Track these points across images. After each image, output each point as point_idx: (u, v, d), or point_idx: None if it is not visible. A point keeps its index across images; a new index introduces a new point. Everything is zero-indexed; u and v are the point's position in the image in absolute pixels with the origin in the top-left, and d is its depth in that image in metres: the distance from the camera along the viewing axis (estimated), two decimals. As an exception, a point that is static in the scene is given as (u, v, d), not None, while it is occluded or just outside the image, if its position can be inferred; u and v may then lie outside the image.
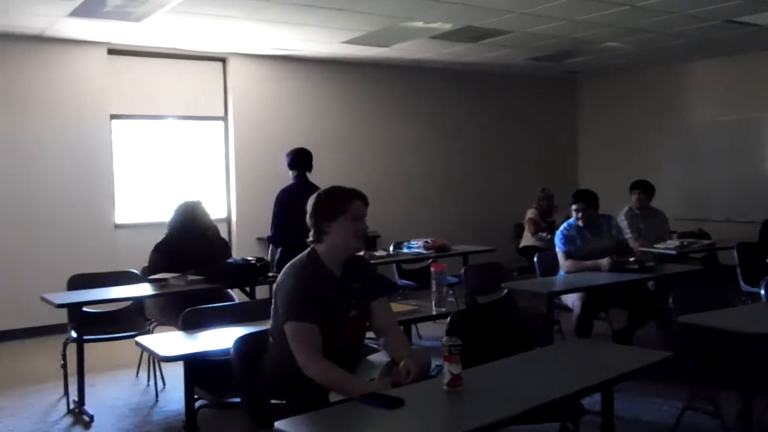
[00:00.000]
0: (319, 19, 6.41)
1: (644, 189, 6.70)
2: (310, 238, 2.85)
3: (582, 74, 10.33)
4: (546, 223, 7.89)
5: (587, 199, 5.37)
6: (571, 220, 5.43)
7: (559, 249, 5.35)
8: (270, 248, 5.72)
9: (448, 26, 6.79)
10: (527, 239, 7.98)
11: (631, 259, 5.17)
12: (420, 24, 6.69)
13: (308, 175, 5.66)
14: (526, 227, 8.04)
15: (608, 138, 10.38)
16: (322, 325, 2.70)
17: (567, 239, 5.31)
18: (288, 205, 5.48)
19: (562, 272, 5.34)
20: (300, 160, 5.65)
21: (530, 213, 8.03)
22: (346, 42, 7.43)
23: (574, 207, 5.38)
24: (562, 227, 5.44)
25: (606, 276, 5.05)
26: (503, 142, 10.12)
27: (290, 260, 5.03)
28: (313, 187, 5.56)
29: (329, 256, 2.83)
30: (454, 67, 9.23)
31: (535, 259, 5.77)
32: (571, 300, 5.07)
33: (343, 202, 2.82)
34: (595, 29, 7.03)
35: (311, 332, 2.67)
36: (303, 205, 5.23)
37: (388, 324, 2.94)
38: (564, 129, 10.80)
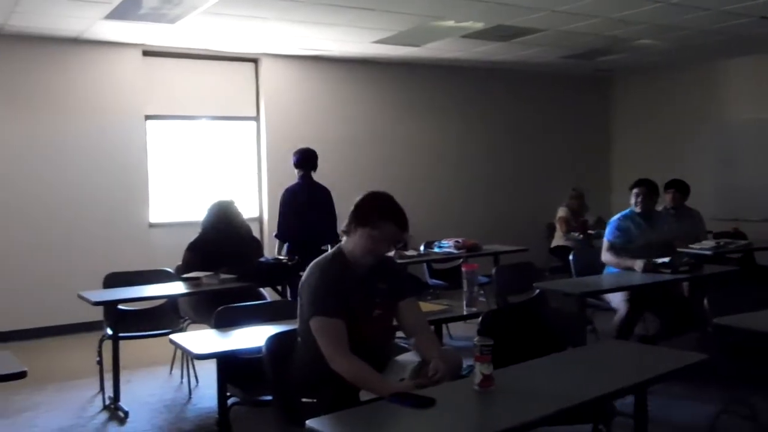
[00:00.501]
0: (350, 19, 6.43)
1: (678, 188, 6.60)
2: (343, 227, 2.86)
3: (616, 72, 10.21)
4: (578, 223, 7.83)
5: (649, 184, 5.37)
6: (626, 210, 5.39)
7: (605, 238, 5.31)
8: (277, 243, 5.95)
9: (479, 25, 6.76)
10: (559, 239, 7.92)
11: (665, 260, 5.09)
12: (451, 23, 6.67)
13: (314, 174, 5.93)
14: (558, 227, 7.98)
15: (642, 136, 10.24)
16: (345, 322, 2.71)
17: (619, 230, 5.27)
18: (292, 203, 5.80)
19: (608, 269, 5.28)
20: (305, 160, 5.89)
21: (561, 212, 7.96)
22: (377, 42, 7.44)
23: (635, 191, 5.34)
24: (616, 217, 5.39)
25: (641, 277, 4.99)
26: (535, 141, 10.05)
27: (296, 254, 5.17)
28: (318, 186, 5.91)
29: (353, 255, 2.84)
30: (484, 66, 9.19)
31: (571, 258, 5.71)
32: (616, 300, 5.00)
33: (378, 216, 2.78)
34: (629, 27, 6.94)
35: (337, 327, 2.68)
36: (307, 202, 5.49)
37: (418, 324, 2.93)
38: (597, 128, 10.69)
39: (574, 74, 10.06)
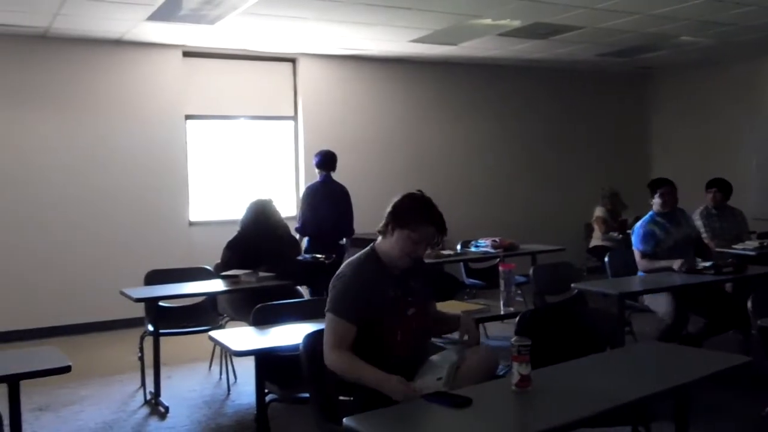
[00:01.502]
0: (387, 18, 6.44)
1: (719, 188, 6.48)
2: (379, 228, 2.87)
3: (656, 70, 10.05)
4: (616, 223, 7.73)
5: (671, 183, 5.32)
6: (646, 216, 5.32)
7: (635, 248, 5.25)
8: (298, 238, 6.22)
9: (516, 23, 6.72)
10: (597, 239, 7.84)
11: (706, 264, 5.00)
12: (488, 21, 6.64)
13: (333, 174, 6.37)
14: (596, 227, 7.89)
15: (682, 135, 10.07)
16: (379, 322, 2.74)
17: (645, 236, 5.20)
18: (312, 200, 6.28)
19: (641, 273, 5.23)
20: (326, 161, 6.35)
21: (598, 212, 7.88)
22: (414, 41, 7.44)
23: (660, 191, 5.28)
24: (638, 225, 5.33)
25: (682, 278, 4.90)
26: (573, 139, 9.95)
27: (315, 248, 5.34)
28: (336, 185, 6.34)
29: (387, 255, 2.85)
30: (521, 65, 9.13)
31: (606, 259, 5.66)
32: (663, 307, 4.90)
33: (417, 218, 2.78)
34: (670, 23, 6.83)
35: (345, 329, 2.72)
36: (325, 200, 5.83)
37: (436, 316, 3.06)
38: (636, 126, 10.54)
39: (612, 72, 9.93)
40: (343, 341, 2.71)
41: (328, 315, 2.76)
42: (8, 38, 6.71)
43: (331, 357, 2.71)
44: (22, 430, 2.84)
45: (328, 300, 2.80)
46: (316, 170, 6.42)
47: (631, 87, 10.42)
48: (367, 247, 2.91)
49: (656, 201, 5.32)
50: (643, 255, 5.19)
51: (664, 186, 5.34)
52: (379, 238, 2.88)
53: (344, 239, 6.35)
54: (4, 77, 6.77)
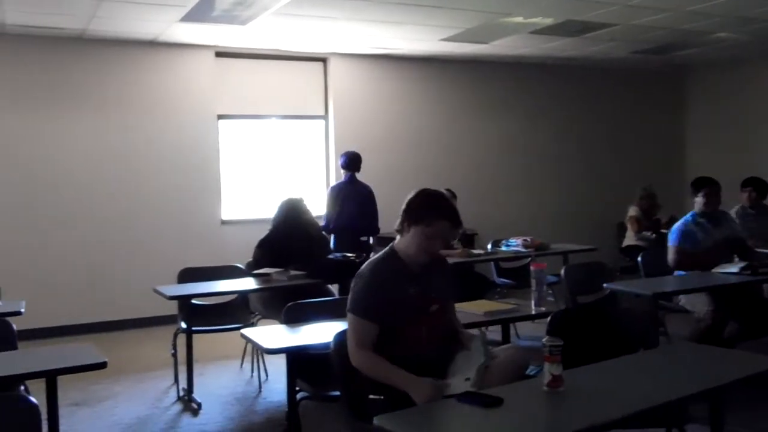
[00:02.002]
0: (418, 17, 6.44)
1: (756, 187, 6.37)
2: (396, 227, 2.89)
3: (690, 67, 9.89)
4: (650, 222, 7.63)
5: (715, 183, 5.23)
6: (687, 216, 5.23)
7: (671, 243, 5.14)
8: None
9: (548, 21, 6.67)
10: (630, 238, 7.74)
11: (741, 264, 4.88)
12: (519, 19, 6.60)
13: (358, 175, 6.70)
14: (629, 226, 7.80)
15: (718, 133, 9.89)
16: (402, 320, 2.75)
17: (684, 235, 5.11)
18: (336, 199, 6.60)
19: (677, 272, 5.14)
20: (351, 162, 6.68)
21: (632, 211, 7.78)
22: (445, 39, 7.42)
23: (702, 191, 5.19)
24: (678, 223, 5.23)
25: (718, 278, 4.81)
26: (605, 138, 9.84)
27: (341, 246, 5.71)
28: (360, 185, 6.64)
29: (406, 253, 2.86)
30: (553, 63, 9.06)
31: (639, 258, 5.58)
32: (700, 308, 4.81)
33: (430, 215, 2.80)
34: (705, 20, 6.73)
35: (366, 328, 2.74)
36: (348, 199, 6.38)
37: (457, 323, 3.02)
38: (670, 124, 10.38)
39: (646, 69, 9.80)
40: (365, 340, 2.73)
41: (349, 315, 2.79)
42: (47, 40, 6.84)
43: (355, 357, 2.73)
44: (59, 425, 2.88)
45: (348, 300, 2.83)
46: (342, 171, 6.73)
47: (664, 85, 10.27)
48: (387, 247, 2.93)
49: (698, 201, 5.22)
50: (679, 251, 5.08)
51: (708, 186, 5.24)
52: (398, 237, 2.90)
53: (369, 237, 6.53)
54: (43, 78, 6.91)
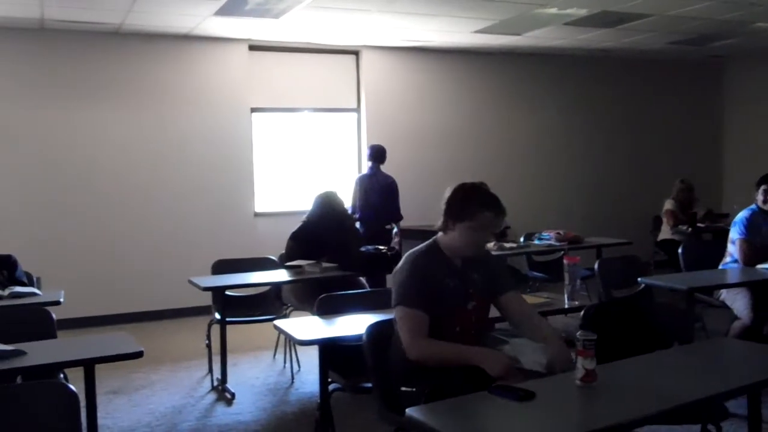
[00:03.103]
0: (450, 9, 6.41)
1: None
2: (438, 226, 2.86)
3: (729, 58, 9.70)
4: (686, 216, 7.51)
5: None
6: (753, 206, 5.10)
7: (739, 235, 4.96)
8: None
9: (582, 12, 6.59)
10: (665, 232, 7.63)
11: None
12: (553, 11, 6.53)
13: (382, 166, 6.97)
14: (665, 220, 7.69)
15: (757, 125, 9.68)
16: (438, 313, 2.73)
17: (751, 226, 4.94)
18: (359, 189, 6.97)
19: (727, 264, 5.01)
20: (376, 155, 7.00)
21: (668, 205, 7.66)
22: (478, 31, 7.38)
23: (763, 187, 5.04)
24: (743, 214, 5.05)
25: (755, 274, 4.70)
26: (640, 131, 9.71)
27: (365, 233, 5.92)
28: (383, 176, 6.89)
29: (450, 248, 2.84)
30: (587, 54, 8.95)
31: (680, 251, 5.47)
32: (740, 304, 4.69)
33: (472, 208, 2.75)
34: (744, 10, 6.58)
35: (418, 317, 2.70)
36: (372, 189, 6.70)
37: (524, 313, 2.92)
38: (707, 116, 10.19)
39: (683, 60, 9.63)
40: (420, 329, 2.69)
41: (398, 309, 2.74)
42: (84, 34, 6.96)
43: (414, 348, 2.67)
44: (97, 412, 2.94)
45: (393, 295, 2.79)
46: (368, 162, 7.04)
47: (703, 76, 10.09)
48: (429, 240, 2.91)
49: (759, 197, 5.07)
50: (748, 243, 4.90)
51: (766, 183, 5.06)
52: (440, 234, 2.87)
53: (392, 224, 6.83)
54: (80, 72, 7.03)
